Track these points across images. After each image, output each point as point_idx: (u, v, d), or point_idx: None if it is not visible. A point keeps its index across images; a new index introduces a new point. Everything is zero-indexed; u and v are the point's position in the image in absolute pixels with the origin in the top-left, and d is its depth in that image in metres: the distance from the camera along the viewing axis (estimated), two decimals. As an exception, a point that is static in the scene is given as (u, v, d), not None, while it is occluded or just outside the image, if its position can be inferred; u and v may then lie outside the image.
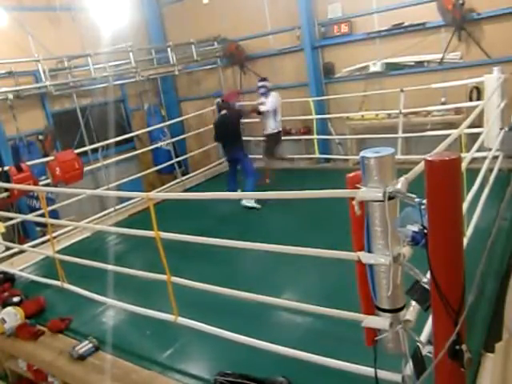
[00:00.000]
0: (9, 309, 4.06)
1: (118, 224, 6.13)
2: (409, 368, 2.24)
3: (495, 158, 5.27)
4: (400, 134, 6.79)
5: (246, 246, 2.90)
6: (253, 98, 8.98)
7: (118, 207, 6.94)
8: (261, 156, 7.75)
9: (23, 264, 5.46)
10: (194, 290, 3.24)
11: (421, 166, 2.13)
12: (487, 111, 5.42)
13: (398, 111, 6.85)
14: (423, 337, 2.43)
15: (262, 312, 3.50)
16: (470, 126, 3.91)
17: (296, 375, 2.83)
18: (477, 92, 6.61)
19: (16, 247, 5.64)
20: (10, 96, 6.94)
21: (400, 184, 2.02)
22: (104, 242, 5.84)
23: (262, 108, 7.10)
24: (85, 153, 7.13)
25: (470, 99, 6.66)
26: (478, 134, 4.88)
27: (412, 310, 2.28)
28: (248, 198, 6.27)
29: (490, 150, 5.19)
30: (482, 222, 4.02)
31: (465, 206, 3.48)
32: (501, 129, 5.67)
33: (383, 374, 2.33)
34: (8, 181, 5.35)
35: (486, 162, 4.69)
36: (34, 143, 7.68)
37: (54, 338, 3.86)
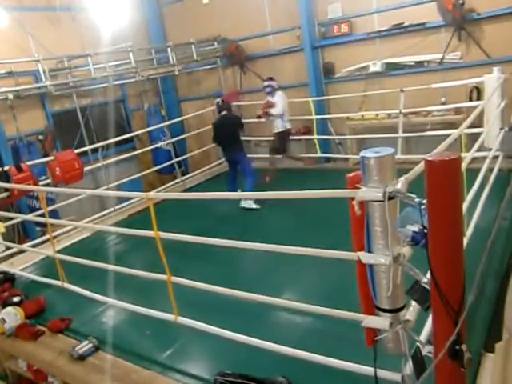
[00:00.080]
0: (9, 309, 4.06)
1: (118, 224, 6.12)
2: (409, 368, 2.24)
3: (495, 157, 5.28)
4: (400, 134, 6.79)
5: (246, 246, 2.90)
6: (253, 98, 9.00)
7: (117, 207, 6.94)
8: (260, 156, 7.77)
9: (23, 264, 5.45)
10: (194, 289, 3.24)
11: (421, 166, 2.13)
12: (487, 111, 5.42)
13: (398, 111, 6.85)
14: (423, 337, 2.43)
15: (262, 312, 3.50)
16: (470, 126, 3.91)
17: (296, 375, 2.83)
18: (477, 92, 6.61)
19: (16, 247, 5.64)
20: (10, 96, 6.94)
21: (400, 184, 2.02)
22: (104, 242, 5.84)
23: (274, 112, 7.14)
24: (85, 153, 7.13)
25: (470, 99, 6.66)
26: (478, 134, 4.88)
27: (412, 310, 2.28)
28: (247, 199, 6.28)
29: (490, 149, 5.19)
30: (482, 221, 4.02)
31: (465, 205, 3.48)
32: (501, 129, 5.66)
33: (383, 373, 2.33)
34: (8, 181, 5.35)
35: (486, 161, 4.69)
36: (34, 143, 7.68)
37: (53, 338, 3.86)
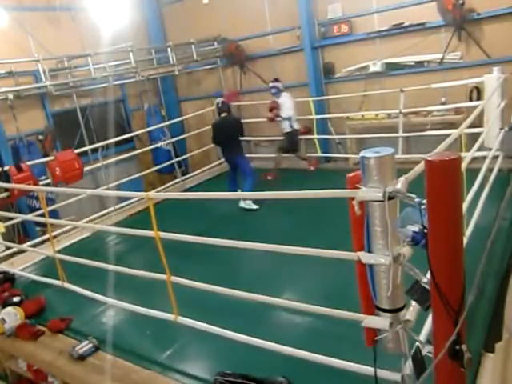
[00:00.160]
0: (9, 309, 4.06)
1: (118, 224, 6.12)
2: (409, 368, 2.24)
3: (495, 157, 5.28)
4: (400, 134, 6.79)
5: (246, 245, 2.90)
6: (253, 98, 9.01)
7: (117, 207, 6.94)
8: (260, 155, 7.78)
9: (23, 264, 5.45)
10: (194, 289, 3.24)
11: (421, 166, 2.13)
12: (487, 111, 5.42)
13: (397, 111, 6.85)
14: (423, 337, 2.43)
15: (262, 312, 3.50)
16: (470, 126, 3.91)
17: (296, 375, 2.83)
18: (477, 92, 6.61)
19: (16, 247, 5.64)
20: (10, 96, 6.94)
21: (400, 184, 2.02)
22: (104, 242, 5.84)
23: (284, 115, 7.21)
24: (85, 153, 7.13)
25: (470, 99, 6.66)
26: (478, 134, 4.88)
27: (412, 310, 2.28)
28: (246, 199, 6.28)
29: (490, 149, 5.19)
30: (482, 221, 4.02)
31: (465, 206, 3.48)
32: (501, 129, 5.67)
33: (383, 373, 2.34)
34: (8, 181, 5.35)
35: (486, 161, 4.69)
36: (34, 143, 7.68)
37: (53, 338, 3.86)
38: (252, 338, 2.91)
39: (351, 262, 2.29)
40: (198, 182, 8.32)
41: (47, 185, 5.95)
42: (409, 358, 2.21)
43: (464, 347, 1.91)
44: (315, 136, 8.07)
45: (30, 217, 5.93)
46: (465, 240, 3.18)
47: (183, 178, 8.40)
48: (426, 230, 1.91)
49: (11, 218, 5.91)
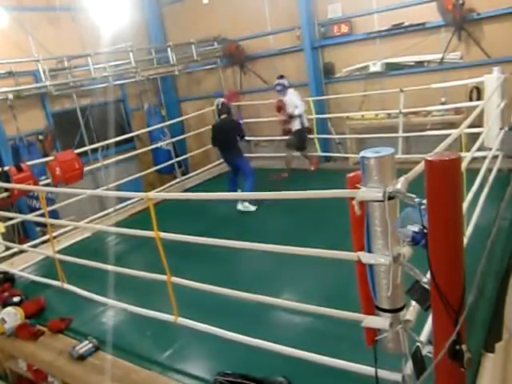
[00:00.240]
0: (9, 309, 4.06)
1: (118, 224, 6.12)
2: (409, 368, 2.25)
3: (495, 157, 5.28)
4: (400, 134, 6.79)
5: (246, 246, 2.90)
6: (253, 98, 9.01)
7: (117, 207, 6.94)
8: (260, 155, 7.77)
9: (23, 264, 5.45)
10: (194, 290, 3.24)
11: (421, 166, 2.13)
12: (487, 111, 5.42)
13: (397, 111, 6.85)
14: (423, 337, 2.43)
15: (261, 312, 3.50)
16: (469, 126, 3.91)
17: (296, 375, 2.83)
18: (477, 92, 6.61)
19: (16, 247, 5.64)
20: (10, 96, 6.94)
21: (400, 184, 2.02)
22: (104, 242, 5.84)
23: (297, 112, 7.20)
24: (85, 153, 7.13)
25: (470, 99, 6.66)
26: (478, 134, 4.88)
27: (412, 310, 2.28)
28: (243, 202, 6.27)
29: (490, 149, 5.19)
30: (482, 221, 4.02)
31: (465, 205, 3.48)
32: (501, 129, 5.67)
33: (383, 373, 2.34)
34: (8, 181, 5.35)
35: (486, 161, 4.69)
36: (34, 143, 7.68)
37: (53, 338, 3.86)
38: (252, 339, 2.91)
39: (351, 262, 2.29)
40: (198, 182, 8.31)
41: (47, 185, 5.95)
42: (409, 357, 2.21)
43: (464, 347, 1.91)
44: (315, 135, 8.06)
45: (30, 217, 5.94)
46: (465, 240, 3.18)
47: (183, 178, 8.40)
48: (425, 230, 1.91)
49: (11, 218, 5.90)
